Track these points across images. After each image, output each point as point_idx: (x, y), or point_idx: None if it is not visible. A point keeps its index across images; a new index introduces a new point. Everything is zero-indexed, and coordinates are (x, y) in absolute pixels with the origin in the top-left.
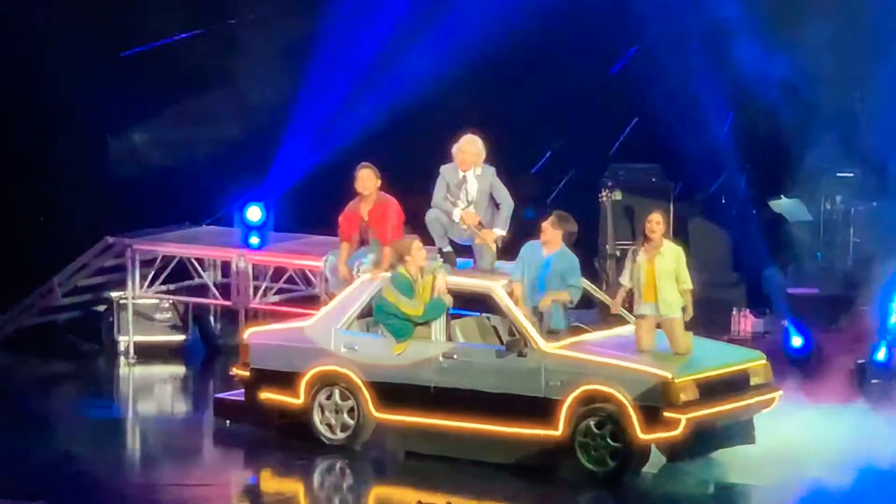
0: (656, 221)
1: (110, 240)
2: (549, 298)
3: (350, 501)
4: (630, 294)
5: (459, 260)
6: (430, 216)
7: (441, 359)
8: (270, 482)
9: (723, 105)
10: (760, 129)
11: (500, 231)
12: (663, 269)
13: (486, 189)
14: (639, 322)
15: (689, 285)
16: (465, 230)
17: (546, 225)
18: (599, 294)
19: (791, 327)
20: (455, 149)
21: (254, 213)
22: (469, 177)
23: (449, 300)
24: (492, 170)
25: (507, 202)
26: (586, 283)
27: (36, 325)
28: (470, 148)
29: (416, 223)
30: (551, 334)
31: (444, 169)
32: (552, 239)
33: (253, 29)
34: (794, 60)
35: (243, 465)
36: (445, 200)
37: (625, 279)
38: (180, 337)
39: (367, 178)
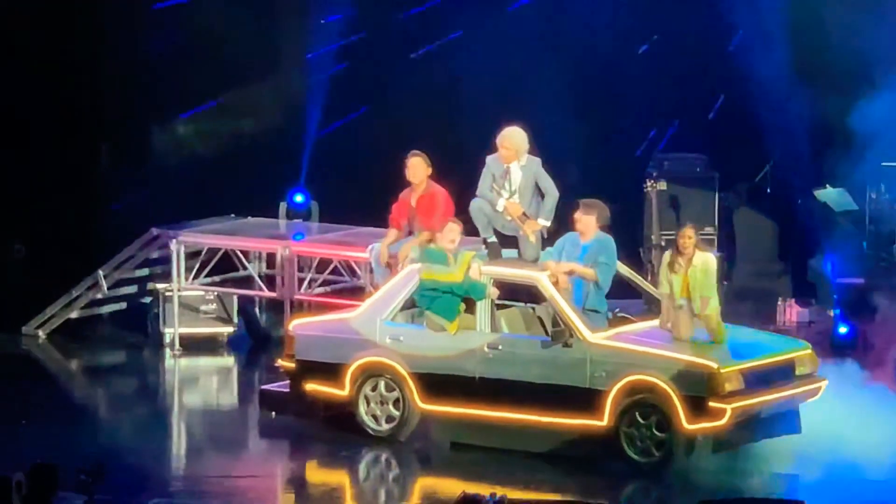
0: (688, 236)
1: (155, 231)
2: (570, 267)
3: (395, 493)
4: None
5: (505, 250)
6: (474, 206)
7: (486, 349)
8: (316, 473)
9: (767, 94)
10: (806, 117)
11: (544, 222)
12: (696, 281)
13: (531, 180)
14: (677, 312)
15: (707, 293)
16: (509, 221)
17: (577, 214)
18: (645, 285)
19: (837, 317)
20: (497, 141)
21: (300, 200)
22: (513, 168)
23: (494, 292)
24: (537, 160)
25: (551, 193)
26: (632, 274)
27: (82, 317)
28: (508, 142)
29: (460, 212)
30: (590, 313)
31: (490, 160)
32: (587, 227)
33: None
34: (839, 50)
35: (289, 457)
36: (490, 191)
37: (664, 288)
38: (226, 329)
39: (416, 167)
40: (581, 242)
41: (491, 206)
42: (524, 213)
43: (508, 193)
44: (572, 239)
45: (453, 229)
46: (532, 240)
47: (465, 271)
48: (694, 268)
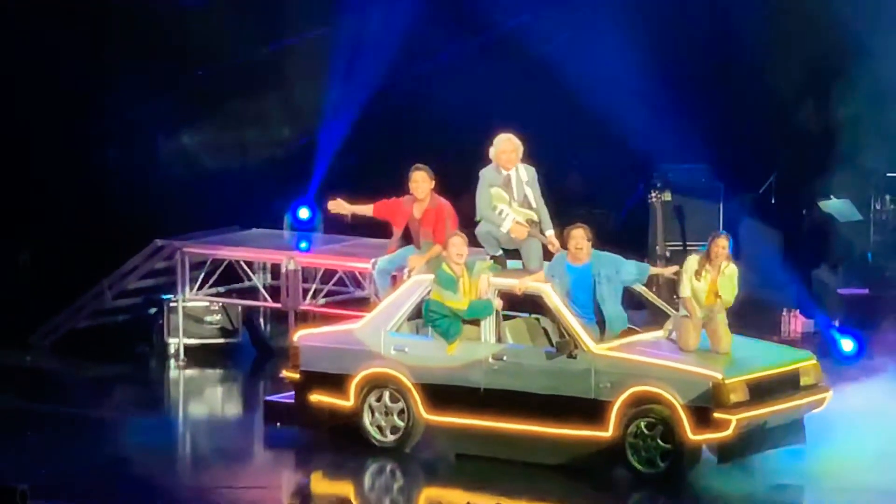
0: (722, 246)
1: (160, 242)
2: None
3: (400, 503)
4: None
5: (509, 262)
6: (482, 231)
7: (491, 360)
8: (321, 484)
9: (772, 105)
10: (810, 128)
11: (550, 231)
12: (722, 289)
13: (534, 185)
14: (685, 321)
15: (729, 302)
16: (515, 238)
17: (579, 238)
18: (649, 295)
19: (836, 333)
20: (493, 151)
21: (305, 214)
22: (513, 174)
23: (499, 303)
24: (533, 169)
25: (542, 204)
26: (636, 285)
27: (86, 328)
28: (509, 144)
29: (462, 225)
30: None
31: (486, 172)
32: (588, 248)
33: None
34: (844, 59)
35: (294, 468)
36: (492, 210)
37: (685, 292)
38: (230, 339)
39: (421, 181)
40: (576, 265)
41: (497, 227)
42: (534, 224)
43: (517, 202)
44: (560, 263)
45: (459, 243)
46: (553, 250)
47: (475, 293)
48: (722, 276)
